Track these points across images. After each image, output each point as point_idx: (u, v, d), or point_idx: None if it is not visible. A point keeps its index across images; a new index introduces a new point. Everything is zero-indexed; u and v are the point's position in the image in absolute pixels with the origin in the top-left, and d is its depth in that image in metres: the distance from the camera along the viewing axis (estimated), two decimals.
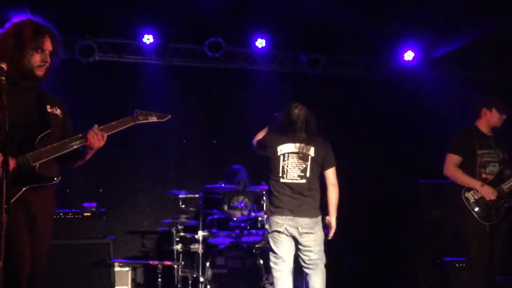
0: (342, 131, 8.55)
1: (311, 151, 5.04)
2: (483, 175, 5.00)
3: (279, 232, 5.00)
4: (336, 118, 8.62)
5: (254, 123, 8.05)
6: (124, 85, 7.92)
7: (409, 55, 8.40)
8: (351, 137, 8.52)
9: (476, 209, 4.88)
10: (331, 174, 5.19)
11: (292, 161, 5.04)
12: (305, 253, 5.00)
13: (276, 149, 5.09)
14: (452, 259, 6.57)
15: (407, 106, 8.53)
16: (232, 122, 8.31)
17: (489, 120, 5.18)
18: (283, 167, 5.03)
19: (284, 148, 5.08)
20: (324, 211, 5.16)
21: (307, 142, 5.07)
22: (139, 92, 7.86)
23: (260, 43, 8.03)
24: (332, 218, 5.18)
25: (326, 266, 5.15)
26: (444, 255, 6.90)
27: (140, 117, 3.47)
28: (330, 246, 7.81)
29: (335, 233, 5.24)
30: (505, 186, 4.94)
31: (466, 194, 4.96)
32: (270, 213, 5.09)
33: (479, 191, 4.90)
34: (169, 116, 3.58)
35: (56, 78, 3.42)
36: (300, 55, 8.36)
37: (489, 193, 4.88)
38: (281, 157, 5.07)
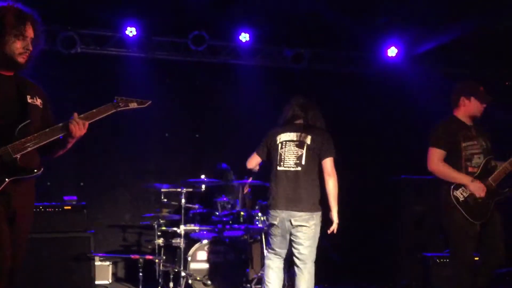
0: (325, 125, 8.56)
1: (308, 139, 5.00)
2: (470, 169, 4.69)
3: (273, 225, 4.98)
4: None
5: (237, 117, 8.10)
6: (106, 78, 7.84)
7: (392, 51, 8.44)
8: (334, 131, 8.49)
9: (466, 208, 4.60)
10: (327, 164, 5.04)
11: (289, 149, 5.01)
12: (295, 246, 4.94)
13: (275, 138, 5.10)
14: (433, 254, 6.61)
15: (390, 101, 8.57)
16: (215, 116, 8.29)
17: (468, 109, 4.83)
18: (280, 154, 5.02)
19: (283, 137, 5.08)
20: (326, 206, 5.07)
21: (306, 131, 5.05)
22: (122, 85, 7.79)
23: (244, 37, 8.00)
24: (332, 212, 5.09)
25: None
26: (425, 250, 6.94)
27: (120, 103, 3.43)
28: None
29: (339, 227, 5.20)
30: (493, 179, 4.67)
31: (454, 193, 4.65)
32: (269, 205, 5.06)
33: (469, 186, 4.60)
34: (150, 102, 3.53)
35: (37, 70, 3.37)
36: (284, 49, 8.34)
37: (479, 190, 4.59)
38: (279, 145, 5.06)
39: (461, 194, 4.66)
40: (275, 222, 4.94)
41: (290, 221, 4.88)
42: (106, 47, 7.82)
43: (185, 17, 7.50)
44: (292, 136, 5.06)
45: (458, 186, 4.67)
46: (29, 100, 3.25)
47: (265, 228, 5.30)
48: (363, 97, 8.53)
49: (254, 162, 5.30)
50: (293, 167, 4.95)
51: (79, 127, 3.21)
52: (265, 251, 5.12)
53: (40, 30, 3.28)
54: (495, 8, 6.94)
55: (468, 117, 4.86)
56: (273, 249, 5.07)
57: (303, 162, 4.96)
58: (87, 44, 7.70)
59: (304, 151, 4.98)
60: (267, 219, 5.09)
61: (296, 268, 4.97)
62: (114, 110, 3.41)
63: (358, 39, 8.14)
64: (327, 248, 7.73)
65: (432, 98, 8.20)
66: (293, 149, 5.00)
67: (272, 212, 4.97)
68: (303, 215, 4.88)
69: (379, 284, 7.68)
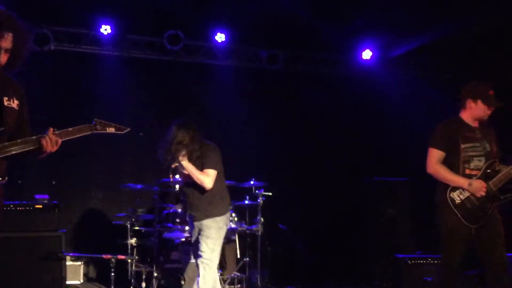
0: (300, 127, 8.61)
1: None
2: (467, 171, 4.58)
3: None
4: (295, 114, 8.67)
5: (212, 117, 8.08)
6: (80, 76, 7.77)
7: (367, 54, 8.50)
8: (308, 133, 8.58)
9: (462, 211, 4.51)
10: None
11: None
12: None
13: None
14: (405, 256, 6.67)
15: (365, 103, 8.64)
16: (190, 116, 8.21)
17: (473, 112, 4.67)
18: None
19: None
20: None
21: None
22: (96, 83, 7.73)
23: (220, 37, 7.99)
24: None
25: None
26: (397, 251, 7.00)
27: (98, 126, 3.43)
28: (285, 240, 7.93)
29: None
30: (493, 184, 4.53)
31: (451, 194, 4.55)
32: (224, 211, 5.21)
33: (467, 189, 4.50)
34: (128, 129, 3.55)
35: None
36: (260, 50, 8.36)
37: (478, 189, 4.48)
38: None
39: (458, 196, 4.57)
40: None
41: None
42: (80, 44, 7.73)
43: (161, 16, 7.47)
44: None
45: (455, 188, 4.58)
46: (6, 103, 3.18)
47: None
48: (337, 99, 8.57)
49: None
50: None
51: (51, 144, 3.18)
52: (207, 261, 4.97)
53: (21, 30, 3.21)
54: (468, 12, 7.03)
55: (473, 119, 4.73)
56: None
57: None
58: (60, 41, 7.60)
59: None
60: (225, 224, 5.15)
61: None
62: (90, 132, 3.40)
63: (334, 41, 8.19)
64: (301, 250, 7.79)
65: (406, 100, 8.31)
66: None
67: (228, 215, 5.21)
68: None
69: (352, 285, 7.73)
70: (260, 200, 6.82)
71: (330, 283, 7.91)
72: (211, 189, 5.05)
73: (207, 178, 5.01)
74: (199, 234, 5.08)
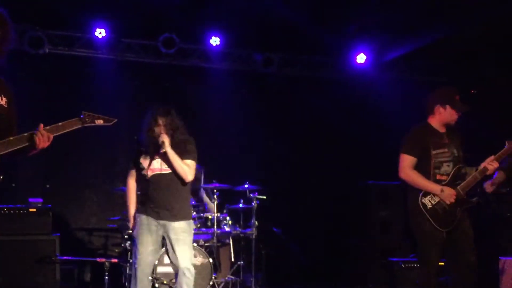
0: (294, 130, 8.63)
1: None
2: (438, 176, 4.72)
3: None
4: (289, 117, 8.70)
5: (207, 120, 8.09)
6: (75, 79, 7.77)
7: (361, 58, 8.52)
8: (303, 136, 8.60)
9: (433, 215, 4.63)
10: None
11: None
12: None
13: None
14: (399, 259, 6.69)
15: (359, 107, 8.67)
16: (184, 119, 8.23)
17: (442, 117, 4.83)
18: None
19: None
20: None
21: None
22: (90, 86, 7.73)
23: (215, 41, 8.01)
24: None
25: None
26: (390, 255, 7.02)
27: (87, 119, 3.46)
28: (279, 244, 7.94)
29: None
30: (461, 188, 4.69)
31: (423, 200, 4.68)
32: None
33: (439, 195, 4.64)
34: (115, 120, 3.59)
35: (3, 69, 3.32)
36: (254, 53, 8.37)
37: (448, 196, 4.62)
38: None
39: (429, 201, 4.68)
40: None
41: None
42: (75, 48, 7.73)
43: (156, 20, 7.47)
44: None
45: (426, 193, 4.70)
46: None
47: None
48: (332, 103, 8.59)
49: None
50: None
51: (43, 140, 3.18)
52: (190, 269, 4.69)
53: (8, 27, 3.22)
54: (461, 16, 7.07)
55: (442, 125, 4.86)
56: None
57: None
58: (55, 44, 7.60)
59: None
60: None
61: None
62: (80, 126, 3.43)
63: (328, 45, 8.21)
64: (295, 253, 7.80)
65: (400, 104, 8.33)
66: None
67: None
68: None
69: None
70: (254, 203, 6.82)
71: (324, 286, 7.92)
72: (186, 187, 4.72)
73: (189, 169, 4.64)
74: (165, 238, 4.65)
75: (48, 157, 7.24)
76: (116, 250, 7.24)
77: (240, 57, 8.44)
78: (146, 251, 4.60)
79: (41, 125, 3.20)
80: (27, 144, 3.17)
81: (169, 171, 4.63)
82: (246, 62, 8.47)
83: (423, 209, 4.67)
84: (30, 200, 6.44)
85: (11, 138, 3.14)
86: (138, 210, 4.72)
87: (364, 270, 7.79)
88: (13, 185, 7.20)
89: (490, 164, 4.67)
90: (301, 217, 8.30)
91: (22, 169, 7.21)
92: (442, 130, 4.87)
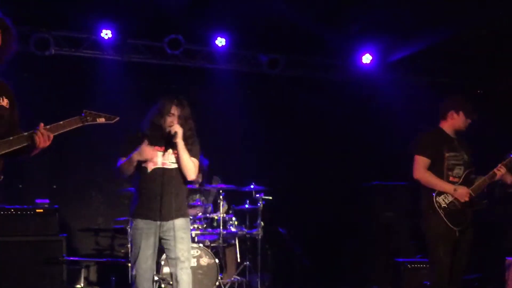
0: (300, 131, 8.63)
1: None
2: (451, 178, 4.90)
3: None
4: (294, 119, 8.70)
5: (212, 121, 8.09)
6: (81, 80, 7.78)
7: (367, 58, 8.51)
8: (308, 137, 8.60)
9: (447, 214, 4.79)
10: None
11: None
12: None
13: None
14: (405, 260, 6.68)
15: (365, 108, 8.66)
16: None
17: (455, 123, 5.05)
18: None
19: None
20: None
21: None
22: (96, 88, 7.73)
23: (220, 41, 8.01)
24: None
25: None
26: (396, 255, 7.01)
27: (88, 117, 3.44)
28: (285, 246, 7.93)
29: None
30: (473, 190, 4.87)
31: (437, 199, 4.84)
32: None
33: (453, 194, 4.81)
34: (117, 118, 3.57)
35: (9, 71, 3.33)
36: (259, 55, 8.37)
37: (463, 194, 4.80)
38: None
39: (443, 200, 4.84)
40: None
41: None
42: (81, 49, 7.74)
43: (162, 21, 7.48)
44: None
45: (440, 192, 4.87)
46: None
47: None
48: (337, 104, 8.59)
49: None
50: None
51: (43, 139, 3.19)
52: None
53: (9, 33, 3.23)
54: (467, 16, 7.05)
55: (453, 130, 5.06)
56: None
57: None
58: (61, 46, 7.62)
59: None
60: None
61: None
62: (81, 124, 3.41)
63: (333, 46, 8.20)
64: (300, 254, 7.80)
65: (406, 105, 8.32)
66: None
67: None
68: None
69: None
70: (260, 204, 6.84)
71: (329, 287, 7.91)
72: (186, 185, 4.54)
73: (195, 167, 4.46)
74: (164, 238, 4.38)
75: (54, 158, 7.27)
76: (123, 251, 7.25)
77: (245, 58, 8.44)
78: (145, 255, 4.37)
79: (41, 124, 3.22)
80: (27, 143, 3.18)
81: (172, 166, 4.41)
82: (251, 63, 8.48)
83: (437, 208, 4.82)
84: (37, 201, 6.47)
85: (11, 138, 3.15)
86: (133, 214, 4.45)
87: (369, 271, 7.78)
88: (20, 186, 7.22)
89: (499, 170, 4.87)
90: (306, 218, 8.30)
91: (29, 170, 7.24)
92: (453, 135, 5.07)
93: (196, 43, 8.11)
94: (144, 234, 4.36)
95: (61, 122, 3.32)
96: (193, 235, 6.55)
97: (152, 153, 4.36)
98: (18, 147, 3.17)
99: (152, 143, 4.40)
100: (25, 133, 3.20)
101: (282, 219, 7.84)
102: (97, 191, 7.90)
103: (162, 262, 6.32)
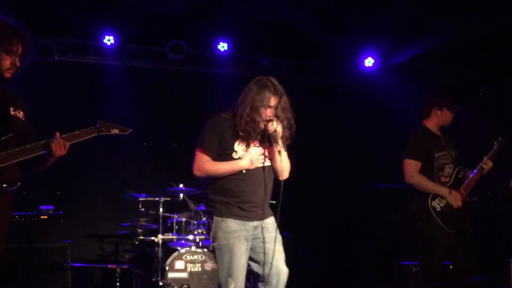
0: (302, 134, 8.61)
1: None
2: (442, 179, 4.89)
3: None
4: (297, 122, 8.67)
5: None
6: (84, 87, 7.80)
7: (369, 61, 8.52)
8: (310, 141, 8.59)
9: (442, 217, 4.78)
10: None
11: None
12: None
13: None
14: (409, 263, 6.67)
15: (367, 111, 8.65)
16: (193, 125, 8.25)
17: (439, 120, 5.05)
18: None
19: None
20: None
21: None
22: (99, 93, 7.75)
23: (222, 46, 8.04)
24: None
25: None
26: (401, 259, 6.99)
27: (103, 128, 3.55)
28: (289, 249, 7.91)
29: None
30: (464, 189, 4.88)
31: (432, 203, 4.83)
32: None
33: (447, 198, 4.80)
34: (131, 130, 3.67)
35: (16, 84, 3.37)
36: (262, 59, 8.39)
37: (456, 199, 4.79)
38: None
39: (438, 204, 4.82)
40: None
41: None
42: (84, 55, 7.77)
43: (164, 26, 7.50)
44: None
45: (434, 196, 4.84)
46: (12, 113, 3.24)
47: None
48: (340, 107, 8.59)
49: None
50: None
51: (60, 147, 3.24)
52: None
53: (28, 46, 3.27)
54: (469, 18, 7.05)
55: (438, 127, 5.06)
56: None
57: None
58: (64, 52, 7.64)
59: None
60: None
61: None
62: (96, 134, 3.53)
63: (336, 49, 8.21)
64: (303, 257, 7.79)
65: (409, 107, 8.30)
66: None
67: None
68: None
69: None
70: None
71: None
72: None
73: (289, 167, 3.99)
74: (265, 239, 3.97)
75: (58, 164, 7.25)
76: (127, 256, 7.26)
77: (247, 62, 8.46)
78: (241, 263, 3.82)
79: (57, 133, 3.27)
80: (44, 151, 3.20)
81: (267, 163, 3.95)
82: (253, 67, 8.49)
83: (433, 212, 4.79)
84: (41, 207, 6.48)
85: (28, 146, 3.19)
86: (221, 213, 3.84)
87: (373, 274, 7.76)
88: (24, 192, 7.20)
89: (485, 163, 4.87)
90: (309, 221, 8.29)
91: (33, 177, 7.23)
92: (438, 132, 5.07)
93: (198, 48, 8.13)
94: (241, 237, 3.87)
95: (77, 132, 3.41)
96: (198, 240, 6.56)
97: (262, 160, 3.92)
98: (35, 154, 3.20)
99: (243, 139, 3.93)
100: (41, 142, 3.23)
101: (286, 222, 7.82)
102: (101, 197, 7.91)
103: (167, 268, 6.32)
